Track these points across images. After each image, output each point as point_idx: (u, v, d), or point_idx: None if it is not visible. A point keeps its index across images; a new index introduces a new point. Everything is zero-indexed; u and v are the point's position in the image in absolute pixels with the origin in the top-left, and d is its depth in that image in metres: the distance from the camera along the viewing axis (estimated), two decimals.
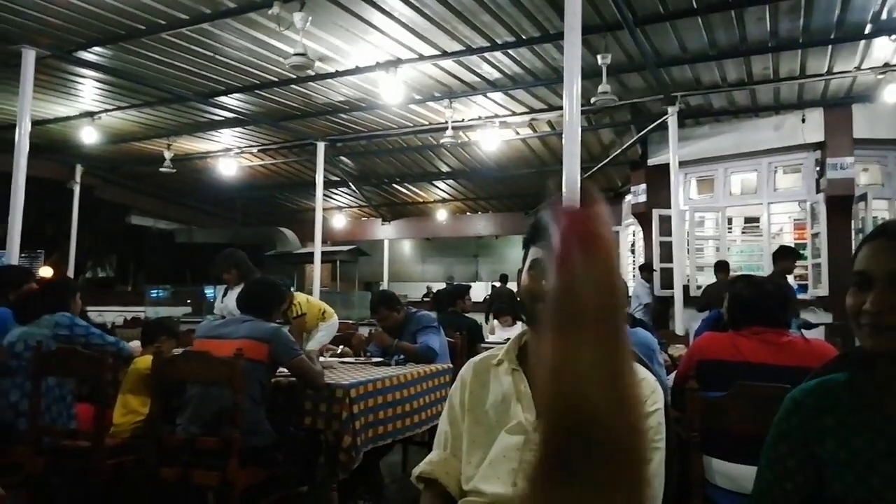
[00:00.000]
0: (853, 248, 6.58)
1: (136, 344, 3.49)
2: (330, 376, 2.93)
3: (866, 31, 5.45)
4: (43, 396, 2.85)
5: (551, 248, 0.32)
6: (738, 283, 2.37)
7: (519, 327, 5.25)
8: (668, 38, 5.66)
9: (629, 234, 9.98)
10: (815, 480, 1.00)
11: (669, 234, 7.31)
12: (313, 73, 6.31)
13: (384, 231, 13.89)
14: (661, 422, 1.20)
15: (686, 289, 7.16)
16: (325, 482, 2.81)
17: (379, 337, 3.91)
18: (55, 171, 9.96)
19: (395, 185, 11.85)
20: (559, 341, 0.30)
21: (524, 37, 5.62)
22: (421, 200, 12.80)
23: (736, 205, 8.25)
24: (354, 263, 13.52)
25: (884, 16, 5.19)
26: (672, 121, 6.90)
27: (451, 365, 3.76)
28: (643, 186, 8.44)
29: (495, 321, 6.38)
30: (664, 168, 7.33)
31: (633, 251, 9.84)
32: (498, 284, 11.11)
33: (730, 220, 8.51)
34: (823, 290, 6.95)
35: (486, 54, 5.98)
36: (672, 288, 7.07)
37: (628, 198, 9.40)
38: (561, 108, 3.78)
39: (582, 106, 3.78)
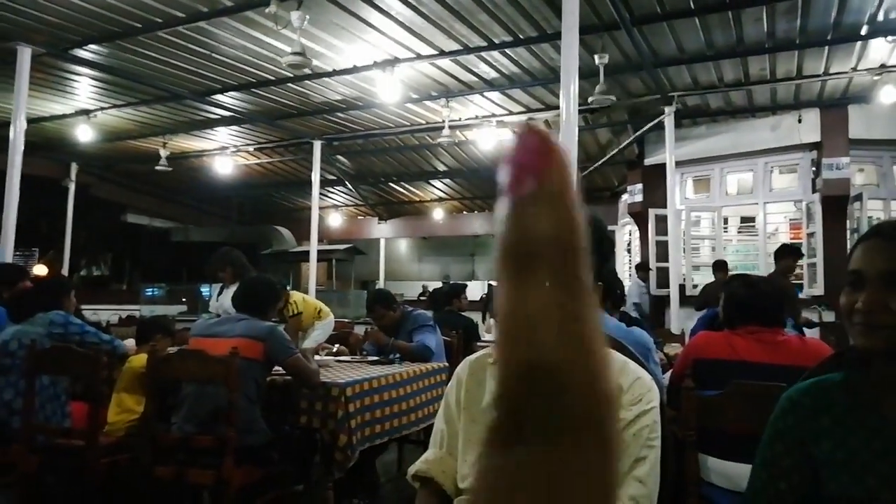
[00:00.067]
0: (848, 248, 6.60)
1: (130, 342, 3.48)
2: (326, 375, 2.92)
3: (862, 33, 5.46)
4: (37, 395, 2.84)
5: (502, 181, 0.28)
6: (733, 283, 2.38)
7: None
8: (666, 39, 5.67)
9: (625, 233, 10.00)
10: (810, 480, 1.00)
11: (665, 234, 7.32)
12: (310, 72, 6.29)
13: (380, 230, 13.87)
14: (656, 420, 1.20)
15: (682, 288, 7.18)
16: (320, 481, 2.80)
17: (375, 336, 3.91)
18: (50, 169, 9.93)
19: (391, 184, 11.84)
20: (509, 281, 0.27)
21: (521, 36, 5.62)
22: (417, 199, 12.79)
23: (732, 204, 8.27)
24: (350, 262, 13.50)
25: (880, 17, 5.21)
26: (669, 121, 6.92)
27: (447, 364, 3.76)
28: (640, 186, 8.45)
29: (491, 320, 6.38)
30: (661, 168, 7.35)
31: (629, 250, 9.86)
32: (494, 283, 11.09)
33: (726, 220, 8.53)
34: (819, 290, 6.97)
35: (483, 54, 5.97)
36: (668, 287, 7.08)
37: (625, 197, 9.42)
38: (558, 107, 3.78)
39: (579, 105, 3.79)
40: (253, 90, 7.04)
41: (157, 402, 2.70)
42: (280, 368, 2.80)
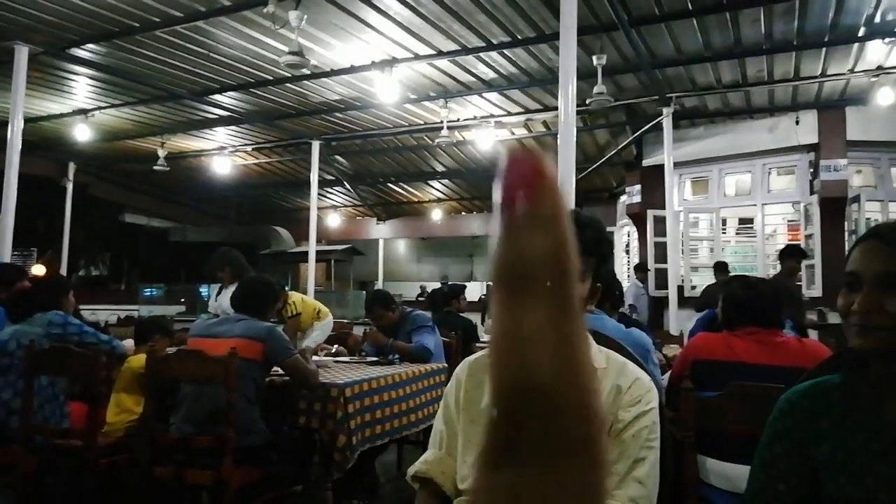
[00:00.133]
0: (846, 249, 6.61)
1: (129, 342, 3.48)
2: (325, 375, 2.92)
3: (860, 34, 5.48)
4: (35, 395, 2.83)
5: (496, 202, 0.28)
6: (732, 284, 2.38)
7: None
8: (664, 40, 5.68)
9: (624, 234, 10.01)
10: (809, 482, 1.00)
11: (664, 235, 7.33)
12: (308, 72, 6.29)
13: (379, 230, 13.87)
14: (655, 421, 1.21)
15: (680, 289, 7.19)
16: (319, 481, 2.80)
17: (374, 336, 3.90)
18: (48, 169, 9.91)
19: (390, 185, 11.84)
20: (503, 303, 0.27)
21: (520, 37, 5.63)
22: (416, 200, 12.79)
23: (730, 206, 8.28)
24: (349, 263, 13.49)
25: (877, 19, 5.22)
26: (667, 122, 6.93)
27: (446, 365, 3.76)
28: (638, 187, 8.46)
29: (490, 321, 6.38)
30: (659, 169, 7.35)
31: (627, 251, 9.87)
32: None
33: (724, 221, 8.54)
34: (817, 292, 6.98)
35: (481, 54, 5.98)
36: (666, 288, 7.09)
37: (623, 198, 9.42)
38: (556, 108, 3.79)
39: (577, 106, 3.79)
40: (251, 90, 7.04)
41: (156, 403, 2.70)
42: (279, 369, 2.80)
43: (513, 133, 8.59)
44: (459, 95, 7.10)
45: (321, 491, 2.78)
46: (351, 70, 6.37)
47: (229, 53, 6.05)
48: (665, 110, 6.87)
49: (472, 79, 6.66)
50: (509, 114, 7.74)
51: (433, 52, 5.95)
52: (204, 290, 10.56)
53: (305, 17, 4.83)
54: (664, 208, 7.15)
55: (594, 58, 5.52)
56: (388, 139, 9.18)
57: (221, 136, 9.13)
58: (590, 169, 8.85)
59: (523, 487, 0.26)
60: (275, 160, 10.51)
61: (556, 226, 0.27)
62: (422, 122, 8.22)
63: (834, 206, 7.12)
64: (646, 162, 8.21)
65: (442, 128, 7.41)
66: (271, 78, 6.69)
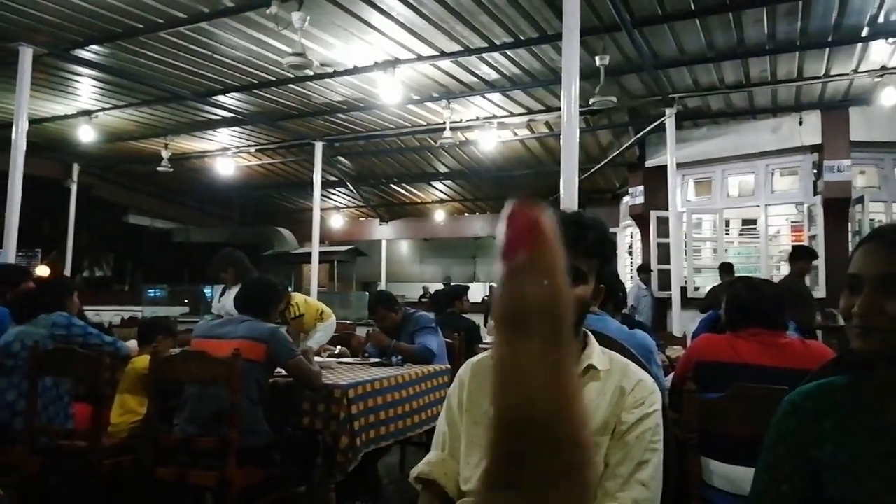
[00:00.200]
0: (850, 250, 6.59)
1: (133, 343, 3.49)
2: (328, 377, 2.93)
3: (863, 35, 5.46)
4: (40, 396, 2.84)
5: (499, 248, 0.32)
6: (736, 285, 2.38)
7: None
8: (666, 40, 5.67)
9: (627, 235, 10.00)
10: (813, 483, 1.00)
11: (667, 236, 7.32)
12: (311, 73, 6.30)
13: (382, 231, 13.88)
14: (659, 423, 1.21)
15: (683, 290, 7.18)
16: (322, 483, 2.81)
17: (377, 337, 3.91)
18: (52, 170, 9.94)
19: (392, 186, 11.85)
20: (504, 339, 0.31)
21: (522, 38, 5.63)
22: (419, 201, 12.79)
23: (733, 207, 8.26)
24: (352, 264, 13.51)
25: (881, 19, 5.21)
26: (670, 122, 6.92)
27: (448, 366, 3.76)
28: (641, 188, 8.45)
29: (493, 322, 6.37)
30: (662, 170, 7.34)
31: (630, 252, 9.86)
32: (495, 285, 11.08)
33: (727, 222, 8.52)
34: (821, 293, 6.96)
35: (484, 55, 5.98)
36: (669, 290, 7.08)
37: (626, 199, 9.41)
38: (559, 109, 3.78)
39: (580, 107, 3.78)
40: (254, 91, 7.05)
41: (160, 404, 2.70)
42: (282, 370, 2.80)
43: (515, 134, 8.59)
44: (462, 96, 7.10)
45: (324, 492, 2.79)
46: (354, 71, 6.38)
47: (232, 54, 6.06)
48: (668, 111, 6.86)
49: (475, 79, 6.66)
50: (512, 114, 7.74)
51: (436, 52, 5.95)
52: (207, 291, 10.59)
53: (308, 18, 4.84)
54: (667, 209, 7.14)
55: (597, 58, 5.52)
56: (391, 140, 9.18)
57: (225, 137, 9.15)
58: (593, 170, 8.85)
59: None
60: (278, 161, 10.53)
61: (552, 275, 0.31)
62: (424, 123, 8.22)
63: (837, 206, 7.10)
64: (649, 163, 8.20)
65: (445, 129, 7.42)
66: (274, 79, 6.70)
